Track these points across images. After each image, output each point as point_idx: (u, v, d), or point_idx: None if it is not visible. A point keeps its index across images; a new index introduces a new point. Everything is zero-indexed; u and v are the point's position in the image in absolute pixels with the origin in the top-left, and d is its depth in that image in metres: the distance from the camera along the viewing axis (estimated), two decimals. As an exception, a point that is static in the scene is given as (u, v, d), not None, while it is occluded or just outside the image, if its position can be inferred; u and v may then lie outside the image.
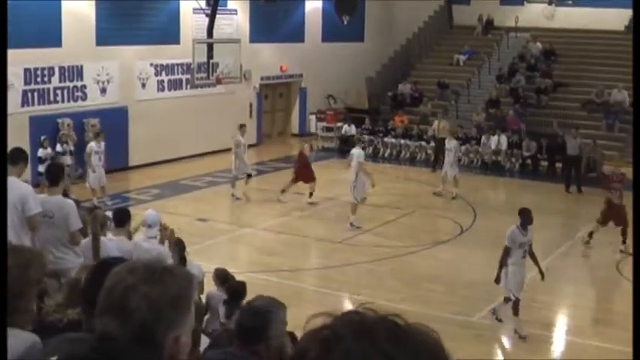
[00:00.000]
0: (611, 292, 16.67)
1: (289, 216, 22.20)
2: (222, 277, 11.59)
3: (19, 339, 3.44)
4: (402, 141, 31.85)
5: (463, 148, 30.42)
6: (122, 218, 10.97)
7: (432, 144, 30.32)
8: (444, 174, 24.97)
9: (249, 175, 24.03)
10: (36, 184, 16.67)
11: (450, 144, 25.06)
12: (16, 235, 8.56)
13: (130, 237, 11.11)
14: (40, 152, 23.07)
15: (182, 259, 11.14)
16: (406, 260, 18.17)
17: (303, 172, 23.57)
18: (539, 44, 36.27)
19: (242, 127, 24.00)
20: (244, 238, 20.02)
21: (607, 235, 20.75)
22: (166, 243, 10.98)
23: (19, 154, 9.66)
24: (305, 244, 20.15)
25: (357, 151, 21.63)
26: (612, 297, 16.22)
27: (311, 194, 23.48)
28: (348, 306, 15.76)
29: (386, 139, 32.21)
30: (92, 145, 22.39)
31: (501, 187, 28.49)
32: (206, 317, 10.74)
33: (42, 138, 23.43)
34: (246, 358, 4.53)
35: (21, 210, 8.99)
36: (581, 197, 25.44)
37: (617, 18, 35.49)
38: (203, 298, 11.23)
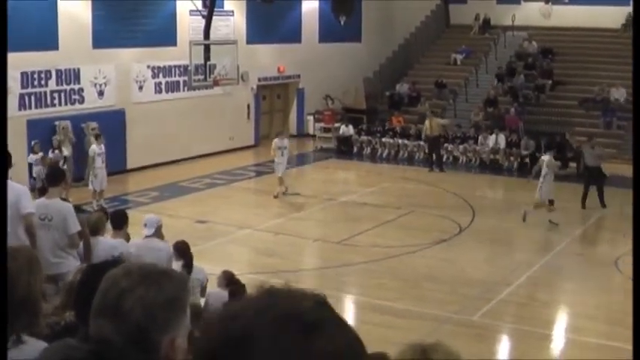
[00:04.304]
0: (610, 289, 16.67)
1: (287, 217, 22.19)
2: (229, 279, 11.64)
3: (33, 347, 3.37)
4: (400, 141, 31.82)
5: (461, 147, 30.46)
6: (119, 221, 10.99)
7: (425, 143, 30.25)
8: (281, 174, 24.38)
9: None
10: (30, 189, 16.59)
11: (284, 142, 24.63)
12: (14, 235, 8.58)
13: (127, 239, 11.12)
14: (30, 158, 23.03)
15: (188, 262, 11.15)
16: (405, 260, 18.15)
17: None
18: (534, 43, 36.27)
19: None
20: (243, 240, 20.00)
21: (606, 232, 20.81)
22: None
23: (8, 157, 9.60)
24: (303, 244, 20.15)
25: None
26: (611, 294, 16.21)
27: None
28: (346, 306, 15.77)
29: (384, 139, 32.17)
30: (94, 147, 22.30)
31: (499, 186, 28.47)
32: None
33: (33, 143, 23.41)
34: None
35: (16, 209, 8.99)
36: (580, 193, 25.42)
37: (614, 16, 35.52)
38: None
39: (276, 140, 24.78)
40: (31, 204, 9.28)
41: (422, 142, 30.90)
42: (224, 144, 31.48)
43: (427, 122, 29.68)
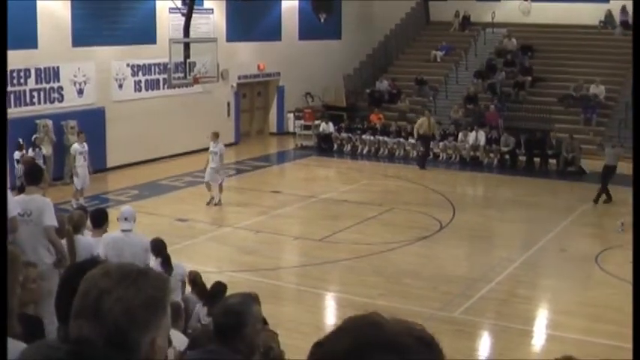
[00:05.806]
0: (590, 285, 16.74)
1: (268, 214, 22.15)
2: (192, 281, 11.62)
3: (13, 348, 3.32)
4: (381, 138, 31.83)
5: (441, 144, 30.51)
6: (99, 219, 10.96)
7: (417, 141, 30.10)
8: (210, 180, 22.71)
9: None
10: (12, 187, 16.56)
11: (217, 147, 23.02)
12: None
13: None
14: (16, 154, 22.94)
15: (166, 259, 11.17)
16: (386, 257, 18.17)
17: None
18: (514, 40, 36.38)
19: None
20: (224, 238, 19.97)
21: (586, 228, 20.88)
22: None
23: None
24: (284, 242, 20.13)
25: None
26: (592, 290, 16.29)
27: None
28: (328, 303, 15.78)
29: (364, 137, 32.17)
30: (76, 146, 22.16)
31: (480, 183, 28.52)
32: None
33: (21, 140, 23.32)
34: (224, 354, 4.55)
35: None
36: (560, 190, 25.55)
37: (593, 13, 35.73)
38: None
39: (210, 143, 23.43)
40: (15, 207, 9.21)
41: (402, 139, 30.90)
42: (204, 142, 31.30)
43: (424, 121, 29.45)
